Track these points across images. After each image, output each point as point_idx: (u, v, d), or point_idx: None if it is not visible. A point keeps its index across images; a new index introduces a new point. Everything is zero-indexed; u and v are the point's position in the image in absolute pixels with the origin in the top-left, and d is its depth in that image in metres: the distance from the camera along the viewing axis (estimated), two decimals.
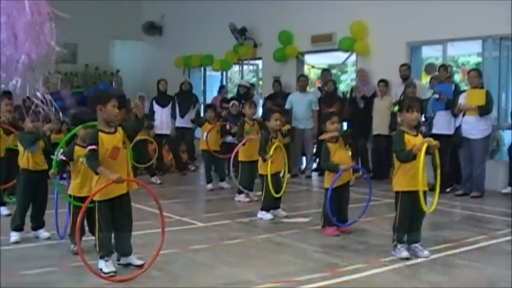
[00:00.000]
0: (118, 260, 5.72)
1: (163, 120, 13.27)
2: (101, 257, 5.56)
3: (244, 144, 9.73)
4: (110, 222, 5.57)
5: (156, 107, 13.39)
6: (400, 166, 6.23)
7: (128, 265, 5.69)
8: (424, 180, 6.19)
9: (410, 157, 6.08)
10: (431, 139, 6.21)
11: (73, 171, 6.38)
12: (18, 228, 6.94)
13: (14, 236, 6.88)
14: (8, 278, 5.37)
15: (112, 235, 5.65)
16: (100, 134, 5.45)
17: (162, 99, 13.55)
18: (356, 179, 10.16)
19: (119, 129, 5.56)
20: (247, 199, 9.81)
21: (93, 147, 5.38)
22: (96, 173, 5.43)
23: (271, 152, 8.28)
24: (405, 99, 8.31)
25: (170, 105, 13.50)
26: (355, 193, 9.41)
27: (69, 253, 6.30)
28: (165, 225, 5.56)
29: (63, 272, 5.66)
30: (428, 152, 6.09)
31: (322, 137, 7.54)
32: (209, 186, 11.10)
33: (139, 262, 5.66)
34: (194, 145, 14.28)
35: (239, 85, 14.21)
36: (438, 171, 6.43)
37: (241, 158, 9.97)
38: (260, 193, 8.88)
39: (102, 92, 5.71)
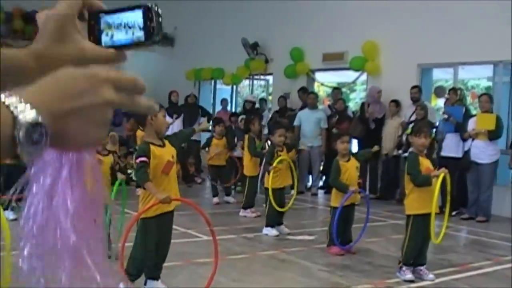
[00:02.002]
0: (145, 284, 5.36)
1: (174, 131, 13.26)
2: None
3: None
4: (154, 242, 5.19)
5: (167, 118, 13.41)
6: (413, 189, 6.21)
7: None
8: (436, 204, 6.19)
9: (427, 182, 6.08)
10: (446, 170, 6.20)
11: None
12: None
13: None
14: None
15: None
16: (152, 147, 5.11)
17: (174, 110, 13.60)
18: (361, 199, 10.14)
19: (167, 142, 5.27)
20: (254, 214, 9.80)
21: (144, 159, 5.03)
22: (143, 188, 5.12)
23: (274, 164, 8.28)
24: (416, 123, 8.32)
25: (182, 117, 13.54)
26: (360, 213, 9.37)
27: None
28: (218, 251, 5.21)
29: None
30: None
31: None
32: (215, 199, 11.11)
33: None
34: (200, 157, 14.30)
35: (245, 101, 14.34)
36: (448, 198, 6.44)
37: (247, 172, 10.00)
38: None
39: None
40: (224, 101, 16.17)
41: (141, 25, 1.13)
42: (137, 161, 5.07)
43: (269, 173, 8.38)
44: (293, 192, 9.46)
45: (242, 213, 9.92)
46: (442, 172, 6.05)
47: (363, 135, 12.41)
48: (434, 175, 6.06)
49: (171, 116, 13.46)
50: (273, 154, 8.48)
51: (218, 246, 5.18)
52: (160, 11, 1.14)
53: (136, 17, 1.13)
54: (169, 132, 12.75)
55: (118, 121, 16.95)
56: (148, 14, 1.12)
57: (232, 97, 17.79)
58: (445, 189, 6.60)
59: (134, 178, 5.33)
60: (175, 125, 13.37)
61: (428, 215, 6.03)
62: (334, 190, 7.46)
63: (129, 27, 1.14)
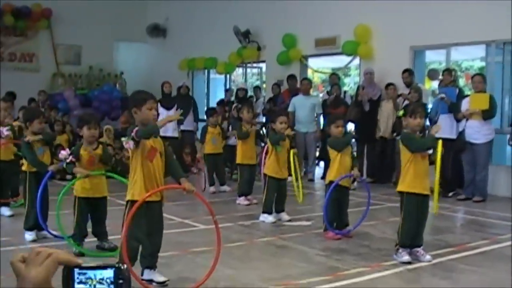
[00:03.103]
0: (142, 274, 5.35)
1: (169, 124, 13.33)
2: None
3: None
4: (144, 230, 5.22)
5: (160, 109, 13.41)
6: (409, 168, 6.20)
7: (150, 281, 5.32)
8: (426, 183, 6.21)
9: (427, 143, 6.11)
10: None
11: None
12: (33, 228, 7.00)
13: (30, 235, 6.96)
14: (9, 279, 5.36)
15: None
16: None
17: (167, 101, 13.59)
18: (358, 183, 10.16)
19: (159, 138, 5.31)
20: (246, 202, 9.84)
21: (136, 128, 5.08)
22: (155, 135, 5.21)
23: (291, 159, 8.32)
24: (409, 104, 8.31)
25: (174, 108, 13.55)
26: (357, 197, 9.43)
27: (70, 253, 6.29)
28: (221, 241, 5.30)
29: None
30: (431, 161, 6.16)
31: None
32: (212, 189, 11.14)
33: (161, 279, 5.34)
34: (196, 147, 14.30)
35: (238, 89, 14.37)
36: (437, 175, 6.45)
37: (239, 160, 10.02)
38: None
39: (137, 94, 5.36)
40: (229, 91, 16.10)
41: (112, 281, 1.30)
42: (134, 132, 5.05)
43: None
44: (300, 181, 9.34)
45: (237, 201, 9.97)
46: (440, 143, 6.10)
47: (358, 117, 12.44)
48: (435, 131, 6.13)
49: (165, 108, 13.45)
50: (279, 139, 8.44)
51: (220, 236, 5.27)
52: (129, 273, 1.33)
53: (108, 274, 1.30)
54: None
55: (115, 115, 16.95)
56: (118, 274, 1.30)
57: (226, 86, 17.76)
58: (443, 170, 6.61)
59: (130, 148, 5.19)
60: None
61: (420, 195, 6.07)
62: (330, 167, 7.50)
63: (101, 283, 1.31)
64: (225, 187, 11.34)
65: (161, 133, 12.70)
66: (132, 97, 5.41)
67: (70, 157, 6.29)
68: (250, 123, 10.20)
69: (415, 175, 6.17)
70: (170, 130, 13.25)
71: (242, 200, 9.91)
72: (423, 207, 6.19)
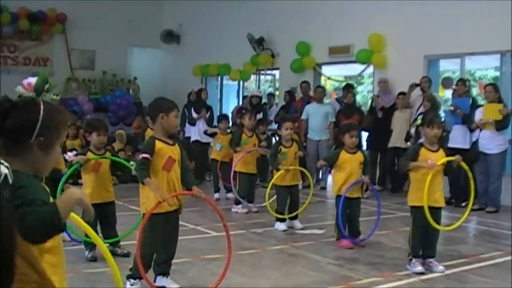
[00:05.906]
0: (154, 281, 5.35)
1: (200, 128, 13.56)
2: (132, 277, 5.25)
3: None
4: (160, 239, 5.22)
5: (194, 114, 13.66)
6: (413, 180, 6.25)
7: None
8: (437, 196, 6.17)
9: (403, 167, 6.32)
10: (456, 157, 6.25)
11: (84, 178, 6.41)
12: None
13: None
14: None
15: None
16: (157, 142, 5.11)
17: (200, 107, 13.79)
18: (370, 192, 10.15)
19: (177, 144, 5.26)
20: (245, 210, 9.83)
21: (146, 155, 5.04)
22: (142, 183, 5.08)
23: (286, 168, 8.30)
24: (427, 114, 8.29)
25: (208, 113, 13.83)
26: (369, 206, 9.40)
27: (83, 259, 6.31)
28: (231, 247, 5.29)
29: (76, 279, 5.66)
30: (445, 172, 6.17)
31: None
32: (216, 195, 11.01)
33: (174, 286, 5.33)
34: (208, 154, 14.31)
35: (252, 96, 14.36)
36: (472, 187, 6.46)
37: (239, 169, 9.95)
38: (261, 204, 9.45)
39: (164, 101, 5.32)
40: (246, 99, 16.10)
41: None
42: (140, 156, 5.10)
43: (277, 170, 8.38)
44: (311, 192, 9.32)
45: (234, 209, 9.96)
46: (433, 168, 6.06)
47: (372, 125, 12.41)
48: (414, 166, 6.10)
49: (198, 113, 13.71)
50: (277, 149, 8.50)
51: (231, 241, 5.25)
52: None
53: None
54: (195, 129, 13.25)
55: (130, 121, 16.99)
56: None
57: (238, 92, 17.77)
58: (456, 180, 6.58)
59: (133, 173, 5.30)
60: (200, 122, 13.67)
61: (430, 208, 6.05)
62: (334, 179, 7.50)
63: None
64: (230, 194, 11.17)
65: (196, 138, 12.75)
66: (158, 104, 5.26)
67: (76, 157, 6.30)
68: (251, 131, 10.15)
69: (416, 187, 6.17)
70: (197, 134, 13.53)
71: (239, 208, 9.92)
72: (434, 219, 6.14)
